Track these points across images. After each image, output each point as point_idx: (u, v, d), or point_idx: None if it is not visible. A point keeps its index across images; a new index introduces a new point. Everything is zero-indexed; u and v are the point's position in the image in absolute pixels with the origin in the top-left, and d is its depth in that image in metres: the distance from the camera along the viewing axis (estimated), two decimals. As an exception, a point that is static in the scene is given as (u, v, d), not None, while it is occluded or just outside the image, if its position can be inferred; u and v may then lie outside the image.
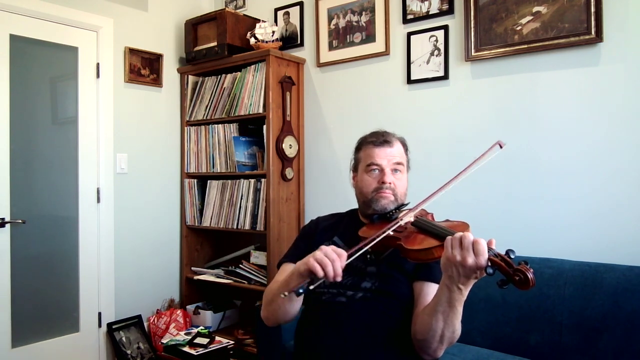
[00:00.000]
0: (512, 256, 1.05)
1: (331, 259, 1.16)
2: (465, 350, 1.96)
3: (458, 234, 1.10)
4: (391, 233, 1.29)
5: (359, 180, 1.52)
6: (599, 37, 2.07)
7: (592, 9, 2.07)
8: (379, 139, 1.50)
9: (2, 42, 2.53)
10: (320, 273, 1.16)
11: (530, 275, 0.99)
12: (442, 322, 1.18)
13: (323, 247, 1.20)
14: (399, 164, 1.49)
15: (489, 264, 1.05)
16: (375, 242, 1.26)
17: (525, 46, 2.24)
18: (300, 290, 1.16)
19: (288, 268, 1.53)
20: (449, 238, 1.12)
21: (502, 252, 1.06)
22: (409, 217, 1.33)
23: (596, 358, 1.81)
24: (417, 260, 1.26)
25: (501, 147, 1.36)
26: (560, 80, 2.19)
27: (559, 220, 2.19)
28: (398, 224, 1.30)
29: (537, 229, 2.24)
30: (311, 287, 1.17)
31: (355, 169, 1.57)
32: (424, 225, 1.28)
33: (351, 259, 1.20)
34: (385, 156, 1.47)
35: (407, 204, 1.51)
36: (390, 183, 1.45)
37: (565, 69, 2.18)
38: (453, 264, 1.09)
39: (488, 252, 1.06)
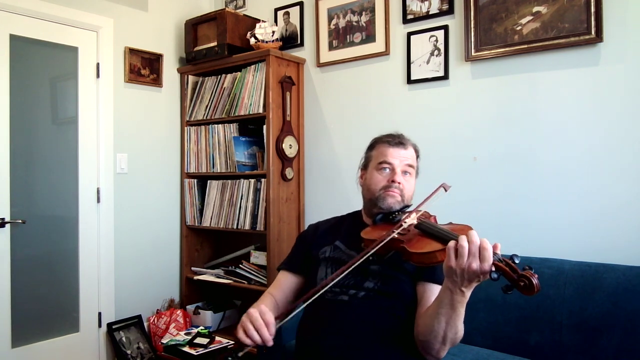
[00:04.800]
0: (517, 261, 1.04)
1: (256, 327, 1.18)
2: (465, 350, 1.96)
3: (463, 237, 1.08)
4: (396, 236, 1.28)
5: (367, 178, 1.53)
6: (599, 37, 2.07)
7: (592, 9, 2.07)
8: (394, 139, 1.53)
9: (2, 42, 2.53)
10: (247, 341, 1.18)
11: (535, 281, 0.98)
12: (444, 323, 1.18)
13: (250, 310, 1.21)
14: (410, 166, 1.51)
15: (494, 269, 1.04)
16: (378, 247, 1.25)
17: (525, 46, 2.24)
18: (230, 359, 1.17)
19: (283, 277, 1.59)
20: (452, 242, 1.11)
21: (507, 257, 1.05)
22: (412, 220, 1.32)
23: (596, 358, 1.81)
24: (420, 264, 1.25)
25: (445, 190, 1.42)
26: (560, 80, 2.19)
27: (559, 220, 2.19)
28: (402, 227, 1.29)
29: (537, 229, 2.24)
30: (240, 355, 1.18)
31: (365, 167, 1.58)
32: (427, 228, 1.27)
33: (282, 322, 1.22)
34: (398, 156, 1.49)
35: (410, 206, 1.51)
36: (399, 183, 1.46)
37: (565, 69, 2.18)
38: (457, 268, 1.08)
39: (493, 256, 1.05)
